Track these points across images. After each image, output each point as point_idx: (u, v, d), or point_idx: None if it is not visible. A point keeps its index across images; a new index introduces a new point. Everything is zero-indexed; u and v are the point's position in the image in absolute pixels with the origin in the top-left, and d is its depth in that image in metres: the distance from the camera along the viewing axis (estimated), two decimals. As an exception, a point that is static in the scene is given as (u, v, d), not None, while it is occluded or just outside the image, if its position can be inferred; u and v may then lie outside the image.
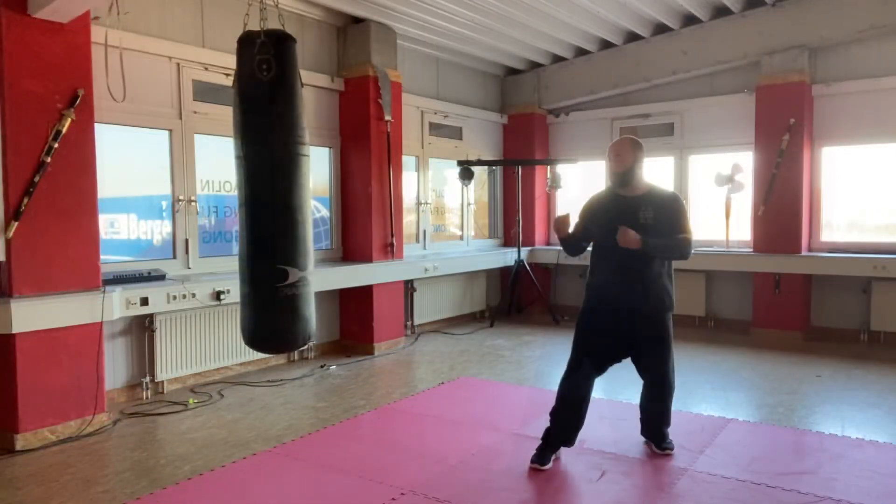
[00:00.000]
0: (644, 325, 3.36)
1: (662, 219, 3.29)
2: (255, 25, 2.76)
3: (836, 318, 6.60)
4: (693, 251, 3.41)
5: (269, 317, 2.83)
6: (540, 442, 3.40)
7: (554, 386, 4.93)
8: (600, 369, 3.39)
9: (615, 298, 3.32)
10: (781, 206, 6.51)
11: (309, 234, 2.89)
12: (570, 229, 3.44)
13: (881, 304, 6.25)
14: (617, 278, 3.31)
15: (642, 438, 3.68)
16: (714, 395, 4.74)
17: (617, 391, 4.83)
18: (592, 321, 3.39)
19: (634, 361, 3.48)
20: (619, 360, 3.45)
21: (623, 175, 3.32)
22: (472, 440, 3.75)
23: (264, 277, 2.77)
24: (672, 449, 3.55)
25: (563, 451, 3.53)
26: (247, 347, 5.20)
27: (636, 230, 3.20)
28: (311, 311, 2.90)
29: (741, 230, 6.99)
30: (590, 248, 3.51)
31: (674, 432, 3.82)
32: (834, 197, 6.72)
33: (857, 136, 6.48)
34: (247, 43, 2.73)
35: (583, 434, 3.82)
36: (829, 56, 6.55)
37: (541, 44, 7.24)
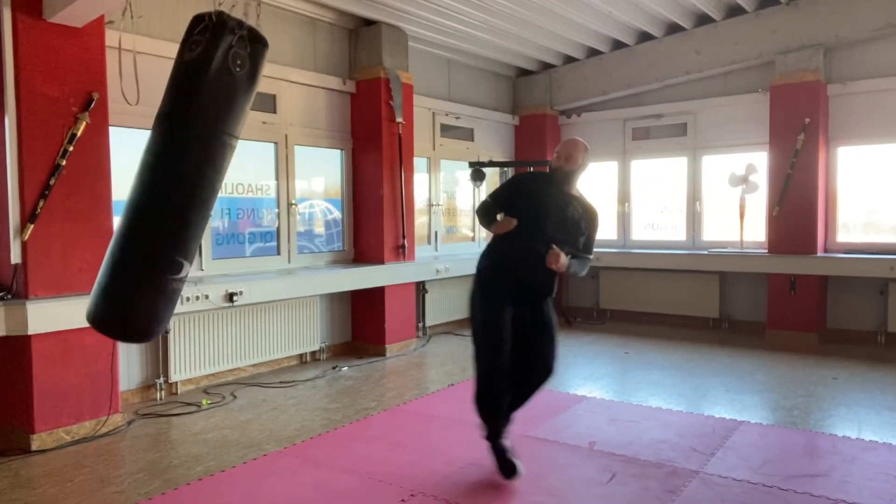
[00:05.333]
0: (534, 307, 3.34)
1: (583, 224, 3.40)
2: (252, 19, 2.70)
3: (853, 320, 6.52)
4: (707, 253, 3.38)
5: (151, 304, 2.61)
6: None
7: (567, 388, 4.95)
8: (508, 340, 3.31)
9: (519, 271, 3.32)
10: (796, 207, 6.45)
11: (203, 232, 2.81)
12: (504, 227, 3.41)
13: (898, 306, 6.18)
14: (526, 257, 3.30)
15: (649, 440, 3.64)
16: (728, 397, 4.70)
17: (628, 393, 4.81)
18: (495, 292, 3.34)
19: (520, 343, 3.34)
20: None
21: (569, 174, 3.38)
22: (483, 442, 3.74)
23: (159, 264, 2.59)
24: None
25: (574, 455, 3.52)
26: (259, 349, 5.27)
27: (565, 222, 3.31)
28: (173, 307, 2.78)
29: (756, 231, 6.93)
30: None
31: (685, 435, 3.81)
32: (850, 197, 6.64)
33: (873, 135, 6.41)
34: (222, 28, 2.58)
35: (593, 435, 3.82)
36: (844, 55, 6.48)
37: (552, 44, 7.22)
